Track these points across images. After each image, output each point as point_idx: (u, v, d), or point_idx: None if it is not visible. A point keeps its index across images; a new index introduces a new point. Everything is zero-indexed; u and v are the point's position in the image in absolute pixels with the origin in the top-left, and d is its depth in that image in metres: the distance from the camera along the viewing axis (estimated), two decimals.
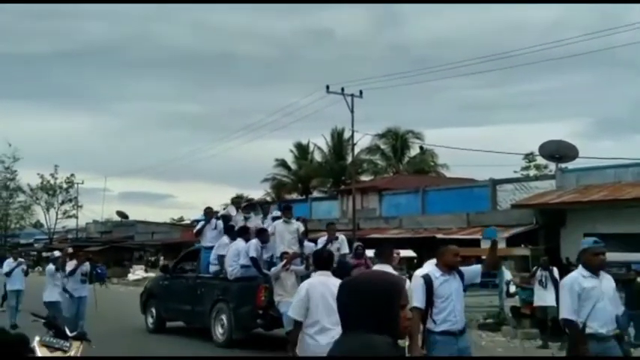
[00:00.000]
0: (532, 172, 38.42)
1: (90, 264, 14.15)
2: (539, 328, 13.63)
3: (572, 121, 77.03)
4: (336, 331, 6.46)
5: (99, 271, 16.95)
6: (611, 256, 15.01)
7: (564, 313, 5.78)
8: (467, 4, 63.83)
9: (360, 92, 32.09)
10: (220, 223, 13.84)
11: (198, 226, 14.56)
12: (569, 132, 76.23)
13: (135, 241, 51.74)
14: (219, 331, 12.59)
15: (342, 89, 31.78)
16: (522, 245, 24.82)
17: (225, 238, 13.16)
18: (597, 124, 72.04)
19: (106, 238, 55.73)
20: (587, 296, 5.66)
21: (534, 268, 13.83)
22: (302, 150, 54.52)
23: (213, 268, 13.27)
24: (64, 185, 56.25)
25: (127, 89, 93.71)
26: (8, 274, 15.94)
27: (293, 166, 54.27)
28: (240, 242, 12.50)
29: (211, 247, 13.54)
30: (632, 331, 13.03)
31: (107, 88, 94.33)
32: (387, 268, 6.15)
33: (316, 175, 51.88)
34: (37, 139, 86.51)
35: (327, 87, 31.83)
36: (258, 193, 58.34)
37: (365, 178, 46.97)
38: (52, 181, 56.07)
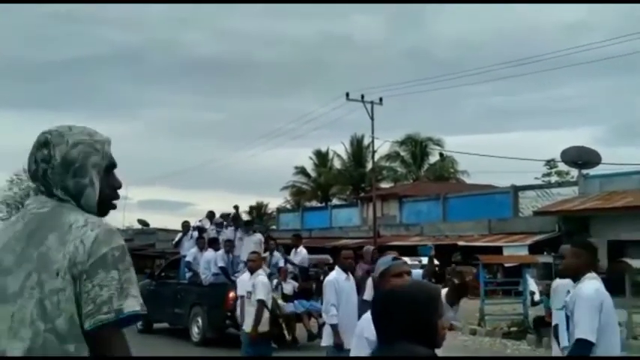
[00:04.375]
0: (554, 179, 38.16)
1: None
2: None
3: (594, 127, 76.31)
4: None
5: None
6: (636, 263, 14.92)
7: None
8: (490, 4, 63.56)
9: (380, 99, 32.12)
10: (196, 234, 15.21)
11: (177, 238, 16.25)
12: (590, 138, 75.48)
13: (156, 249, 52.00)
14: (195, 331, 13.98)
15: (362, 96, 31.81)
16: (545, 253, 24.65)
17: (194, 248, 14.55)
18: (619, 130, 71.32)
19: (127, 245, 56.03)
20: None
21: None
22: (321, 157, 54.60)
23: (187, 275, 14.73)
24: None
25: (146, 96, 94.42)
26: None
27: (312, 174, 54.37)
28: (210, 252, 13.97)
29: None
30: None
31: (127, 95, 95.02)
32: (340, 273, 7.80)
33: (336, 183, 51.94)
34: None
35: (347, 94, 31.89)
36: (277, 200, 58.52)
37: (385, 185, 46.91)
38: None
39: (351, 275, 8.10)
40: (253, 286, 8.67)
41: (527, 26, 74.02)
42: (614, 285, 16.08)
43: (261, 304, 8.51)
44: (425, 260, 23.50)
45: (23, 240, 1.98)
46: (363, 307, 7.83)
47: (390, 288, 2.43)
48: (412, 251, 24.11)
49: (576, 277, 4.23)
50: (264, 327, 8.61)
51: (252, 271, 8.96)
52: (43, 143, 2.08)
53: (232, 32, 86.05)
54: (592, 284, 4.11)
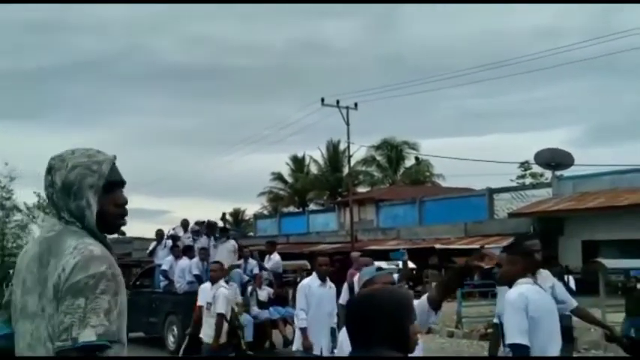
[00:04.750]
0: (528, 181, 38.55)
1: None
2: None
3: (568, 129, 77.21)
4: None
5: None
6: (610, 262, 15.12)
7: None
8: (464, 4, 64.16)
9: (355, 104, 32.27)
10: (170, 242, 15.21)
11: (151, 247, 16.23)
12: (564, 140, 76.32)
13: (132, 258, 51.59)
14: (170, 340, 14.02)
15: (338, 102, 31.97)
16: None
17: (170, 257, 14.51)
18: (592, 132, 72.23)
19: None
20: None
21: None
22: (298, 163, 54.61)
23: (162, 284, 14.70)
24: None
25: (122, 104, 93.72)
26: None
27: (289, 179, 54.32)
28: (185, 260, 13.92)
29: None
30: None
31: (101, 103, 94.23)
32: (315, 279, 7.93)
33: (313, 188, 51.96)
34: (33, 157, 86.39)
35: (322, 100, 31.99)
36: (255, 207, 58.35)
37: (361, 189, 47.03)
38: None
39: (329, 282, 8.14)
40: (214, 298, 8.72)
41: (500, 30, 74.88)
42: (589, 285, 16.36)
43: (221, 317, 8.59)
44: (409, 264, 23.69)
45: (37, 262, 2.10)
46: (342, 312, 7.92)
47: (363, 293, 2.45)
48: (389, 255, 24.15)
49: (512, 284, 4.26)
50: (222, 338, 8.71)
51: (213, 282, 8.99)
52: (48, 169, 2.19)
53: (206, 38, 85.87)
54: (517, 288, 4.09)
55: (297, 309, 7.90)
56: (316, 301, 7.81)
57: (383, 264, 18.09)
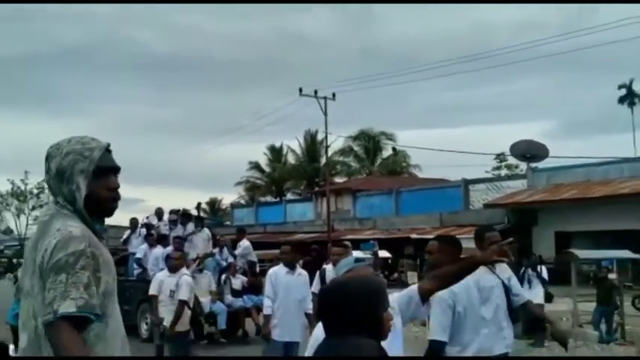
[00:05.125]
0: (503, 172, 38.88)
1: None
2: (526, 327, 13.61)
3: (542, 122, 78.20)
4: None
5: None
6: (582, 253, 15.33)
7: None
8: (441, 4, 64.40)
9: (333, 95, 32.22)
10: (144, 230, 15.26)
11: (125, 236, 16.22)
12: (538, 132, 77.24)
13: (108, 246, 51.23)
14: (143, 328, 13.92)
15: (315, 92, 31.88)
16: None
17: (144, 245, 14.51)
18: (565, 125, 73.13)
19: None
20: None
21: (522, 269, 13.83)
22: (276, 152, 54.51)
23: (135, 272, 14.65)
24: (35, 191, 55.61)
25: (100, 93, 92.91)
26: None
27: (267, 169, 54.22)
28: (159, 249, 13.84)
29: None
30: (603, 327, 13.22)
31: (80, 91, 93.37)
32: (282, 267, 7.89)
33: (290, 178, 51.90)
34: (7, 144, 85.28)
35: (300, 90, 31.90)
36: (232, 196, 58.13)
37: (339, 179, 47.07)
38: (22, 187, 55.45)
39: (299, 269, 8.16)
40: (177, 285, 8.66)
41: (476, 24, 75.21)
42: (562, 275, 16.59)
43: (183, 304, 8.53)
44: (383, 253, 23.84)
45: (33, 245, 2.24)
46: (315, 299, 7.95)
47: (336, 281, 2.47)
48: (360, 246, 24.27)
49: None
50: (185, 326, 8.65)
51: (174, 270, 8.92)
52: (46, 157, 2.31)
53: (186, 30, 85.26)
54: None
55: (264, 297, 7.96)
56: (284, 289, 7.81)
57: (359, 253, 18.19)
